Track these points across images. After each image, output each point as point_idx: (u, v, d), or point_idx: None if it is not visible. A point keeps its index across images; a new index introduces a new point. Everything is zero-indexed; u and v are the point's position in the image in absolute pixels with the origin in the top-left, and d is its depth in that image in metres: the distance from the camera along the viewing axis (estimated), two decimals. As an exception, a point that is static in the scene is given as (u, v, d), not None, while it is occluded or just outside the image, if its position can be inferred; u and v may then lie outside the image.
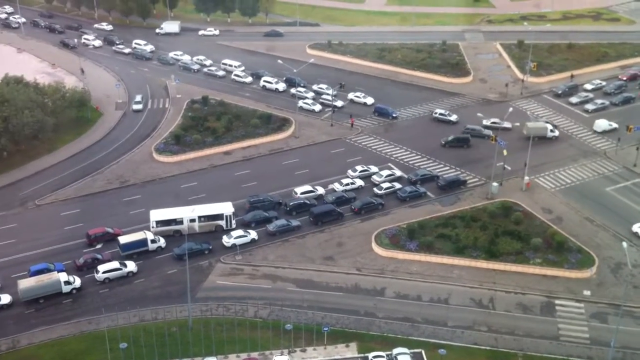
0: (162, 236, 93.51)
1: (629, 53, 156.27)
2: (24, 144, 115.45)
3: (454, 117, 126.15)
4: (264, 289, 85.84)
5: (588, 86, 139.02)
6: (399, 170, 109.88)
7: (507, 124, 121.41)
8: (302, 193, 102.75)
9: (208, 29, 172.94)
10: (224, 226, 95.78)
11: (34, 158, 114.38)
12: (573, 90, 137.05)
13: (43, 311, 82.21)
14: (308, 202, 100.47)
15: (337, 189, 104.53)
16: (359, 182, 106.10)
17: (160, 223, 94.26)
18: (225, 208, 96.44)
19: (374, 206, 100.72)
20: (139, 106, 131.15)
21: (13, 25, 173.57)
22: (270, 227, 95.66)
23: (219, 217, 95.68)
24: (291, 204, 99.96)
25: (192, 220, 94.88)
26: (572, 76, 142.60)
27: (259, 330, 77.50)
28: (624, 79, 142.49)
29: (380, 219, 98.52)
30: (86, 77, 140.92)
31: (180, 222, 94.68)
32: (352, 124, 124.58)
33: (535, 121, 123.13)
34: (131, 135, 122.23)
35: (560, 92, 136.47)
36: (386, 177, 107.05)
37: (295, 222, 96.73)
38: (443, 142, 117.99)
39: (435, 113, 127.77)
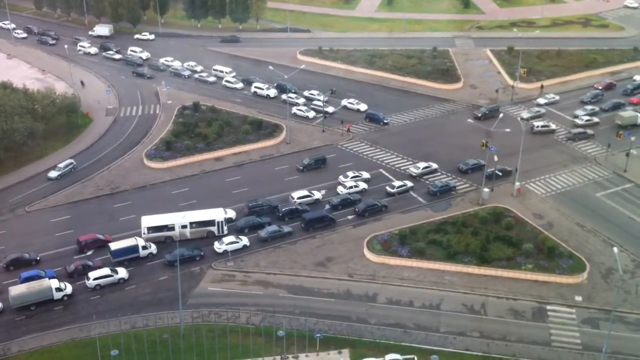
0: (154, 242, 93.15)
1: (618, 59, 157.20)
2: (13, 150, 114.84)
3: (554, 126, 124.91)
4: (255, 295, 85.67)
5: (541, 100, 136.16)
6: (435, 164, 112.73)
7: (596, 119, 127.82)
8: (299, 198, 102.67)
9: (143, 33, 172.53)
10: (216, 232, 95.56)
11: (23, 164, 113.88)
12: (494, 112, 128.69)
13: (34, 318, 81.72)
14: (300, 207, 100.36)
15: (340, 192, 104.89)
16: (363, 185, 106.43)
17: (151, 229, 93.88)
18: (217, 214, 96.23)
19: (377, 208, 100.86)
20: (55, 173, 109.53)
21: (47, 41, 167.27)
22: (262, 233, 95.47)
23: (210, 223, 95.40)
24: (283, 209, 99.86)
25: (184, 227, 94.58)
26: (542, 87, 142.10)
27: (251, 336, 77.18)
28: (600, 88, 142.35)
29: (372, 225, 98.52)
30: (86, 89, 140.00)
31: (172, 228, 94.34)
32: (348, 129, 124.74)
33: (625, 111, 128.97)
34: (122, 141, 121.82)
35: (480, 115, 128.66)
36: (423, 169, 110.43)
37: (287, 228, 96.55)
38: (300, 167, 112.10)
39: (537, 127, 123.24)
